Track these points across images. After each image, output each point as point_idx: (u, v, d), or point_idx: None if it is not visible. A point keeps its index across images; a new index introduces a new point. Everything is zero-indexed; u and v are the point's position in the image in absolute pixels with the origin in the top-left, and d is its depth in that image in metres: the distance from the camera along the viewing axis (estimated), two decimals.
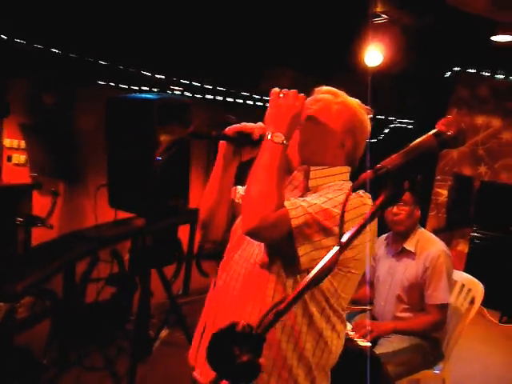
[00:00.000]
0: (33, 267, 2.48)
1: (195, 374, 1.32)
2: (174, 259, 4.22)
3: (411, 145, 0.82)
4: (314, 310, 1.20)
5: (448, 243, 5.22)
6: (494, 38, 3.86)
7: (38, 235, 4.13)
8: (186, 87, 5.12)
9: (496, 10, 3.25)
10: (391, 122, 5.91)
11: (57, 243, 3.01)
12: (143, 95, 2.52)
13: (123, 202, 2.65)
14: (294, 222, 1.10)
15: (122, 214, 3.31)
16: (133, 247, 3.48)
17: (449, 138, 0.83)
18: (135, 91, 4.96)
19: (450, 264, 2.40)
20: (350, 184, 1.28)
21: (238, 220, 1.34)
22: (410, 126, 5.87)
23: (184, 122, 2.73)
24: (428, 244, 2.45)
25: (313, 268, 1.04)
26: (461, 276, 2.69)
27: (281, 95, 1.22)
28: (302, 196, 1.25)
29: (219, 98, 5.50)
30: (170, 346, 3.21)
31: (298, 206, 1.12)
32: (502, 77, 5.18)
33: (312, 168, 1.28)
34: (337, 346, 1.27)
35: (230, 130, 1.25)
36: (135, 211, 2.76)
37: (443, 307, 2.37)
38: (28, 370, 2.67)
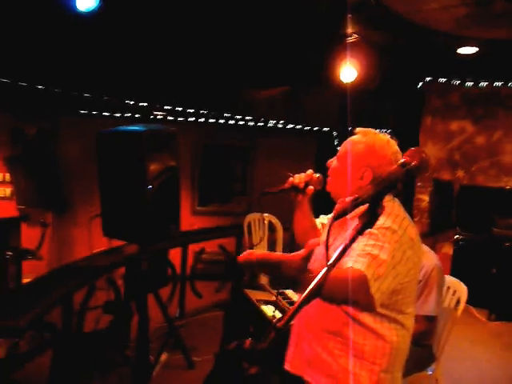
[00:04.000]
0: (32, 301, 2.52)
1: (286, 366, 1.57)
2: (167, 281, 4.27)
3: (383, 176, 0.94)
4: (366, 320, 1.39)
5: (432, 247, 5.38)
6: (459, 51, 4.07)
7: (29, 267, 4.15)
8: (169, 112, 5.23)
9: (461, 27, 3.45)
10: None
11: (53, 276, 3.06)
12: (132, 127, 2.61)
13: (117, 230, 2.72)
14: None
15: (115, 242, 3.39)
16: (127, 274, 3.54)
17: (413, 167, 0.95)
18: (118, 118, 5.05)
19: (441, 278, 2.52)
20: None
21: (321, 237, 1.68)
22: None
23: (172, 150, 2.84)
24: (422, 257, 2.55)
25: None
26: (446, 279, 2.81)
27: None
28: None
29: (201, 119, 5.62)
30: (170, 369, 3.25)
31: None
32: (470, 84, 5.41)
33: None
34: (403, 337, 1.44)
35: (287, 184, 1.69)
36: (129, 239, 2.83)
37: (431, 319, 2.48)
38: None
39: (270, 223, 4.84)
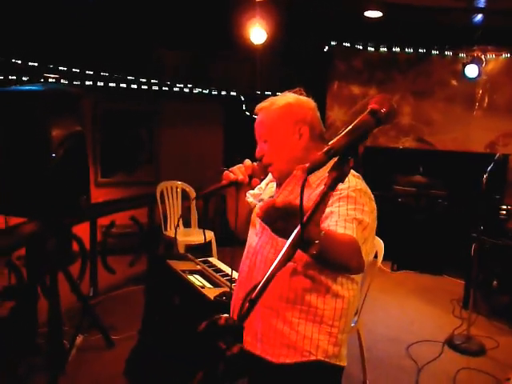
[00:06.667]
0: None
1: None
2: (73, 258, 3.98)
3: (352, 125, 0.87)
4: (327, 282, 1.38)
5: None
6: (366, 14, 4.17)
7: None
8: (63, 74, 4.71)
9: None
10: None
11: None
12: (29, 87, 2.27)
13: (16, 206, 2.40)
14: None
15: (14, 220, 3.02)
16: (30, 254, 3.18)
17: (383, 115, 0.90)
18: (0, 81, 4.43)
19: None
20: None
21: (253, 215, 1.59)
22: None
23: (76, 113, 2.54)
24: None
25: None
26: None
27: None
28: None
29: (100, 83, 5.16)
30: (88, 351, 3.03)
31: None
32: (372, 49, 5.63)
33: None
34: (357, 293, 1.47)
35: (224, 181, 1.49)
36: (32, 216, 2.51)
37: None
38: None
39: (184, 191, 4.68)
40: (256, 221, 1.54)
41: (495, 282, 3.88)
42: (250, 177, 1.48)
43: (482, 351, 3.30)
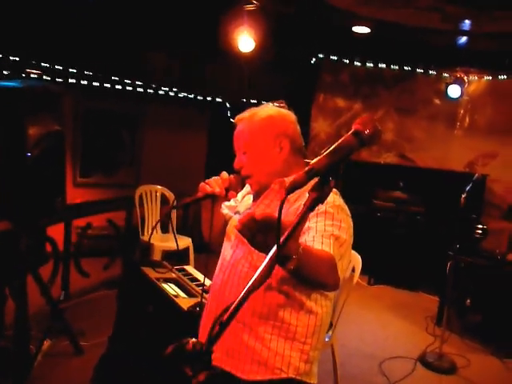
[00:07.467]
0: None
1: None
2: (46, 259, 3.87)
3: (334, 145, 0.85)
4: (302, 298, 1.36)
5: None
6: (354, 29, 4.21)
7: None
8: (46, 70, 4.61)
9: (358, 4, 3.54)
10: None
11: None
12: (6, 83, 2.20)
13: None
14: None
15: None
16: None
17: (367, 136, 0.88)
18: None
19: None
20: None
21: (228, 227, 1.56)
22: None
23: (55, 112, 2.48)
24: None
25: None
26: None
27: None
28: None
29: (84, 82, 5.08)
30: (55, 357, 2.93)
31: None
32: (359, 64, 5.69)
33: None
34: (329, 310, 1.44)
35: (200, 193, 1.46)
36: (5, 216, 2.43)
37: None
38: None
39: (163, 196, 4.62)
40: (231, 234, 1.52)
41: (468, 301, 3.92)
42: (227, 190, 1.45)
43: (454, 369, 3.32)
